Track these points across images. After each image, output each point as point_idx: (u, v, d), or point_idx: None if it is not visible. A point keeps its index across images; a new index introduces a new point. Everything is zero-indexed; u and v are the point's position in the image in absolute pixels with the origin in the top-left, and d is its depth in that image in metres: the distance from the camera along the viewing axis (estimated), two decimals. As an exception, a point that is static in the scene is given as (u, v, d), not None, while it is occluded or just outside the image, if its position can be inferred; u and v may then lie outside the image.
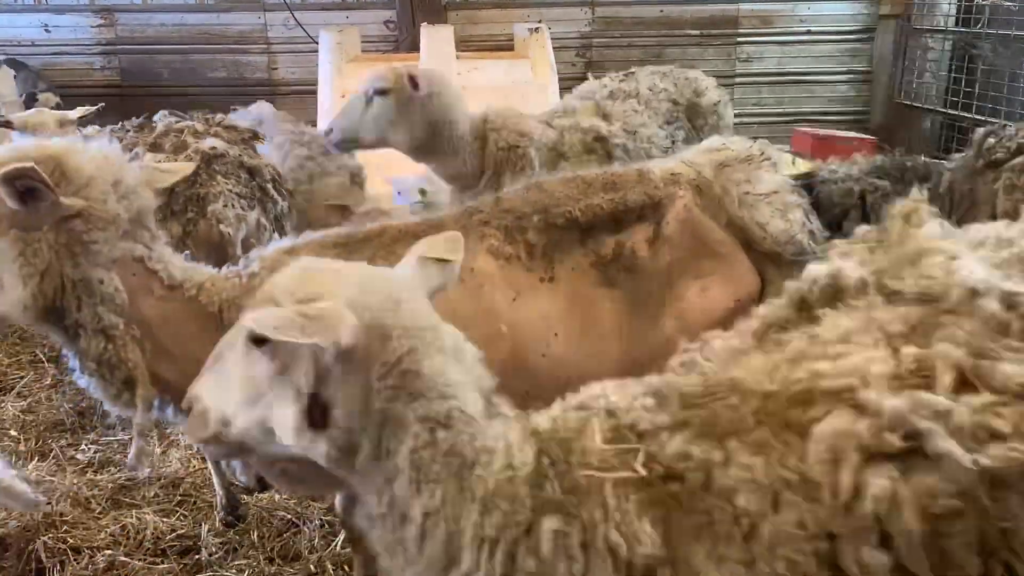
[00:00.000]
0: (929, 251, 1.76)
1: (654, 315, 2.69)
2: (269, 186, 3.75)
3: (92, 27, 8.98)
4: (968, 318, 1.56)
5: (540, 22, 7.93)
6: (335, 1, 8.98)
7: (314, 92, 6.47)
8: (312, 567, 3.34)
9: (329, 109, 6.09)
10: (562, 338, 2.57)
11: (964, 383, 1.48)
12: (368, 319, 1.56)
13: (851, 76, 9.28)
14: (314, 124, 6.25)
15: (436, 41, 6.45)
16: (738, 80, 9.15)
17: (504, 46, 8.20)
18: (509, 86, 6.21)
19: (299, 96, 8.93)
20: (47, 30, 8.98)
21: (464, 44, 7.84)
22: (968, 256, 1.70)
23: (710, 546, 1.46)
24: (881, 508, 1.40)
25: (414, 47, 7.02)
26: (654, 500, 1.50)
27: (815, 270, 1.84)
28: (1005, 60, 7.91)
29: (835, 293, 1.77)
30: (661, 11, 9.01)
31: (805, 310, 1.78)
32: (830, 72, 9.26)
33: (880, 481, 1.41)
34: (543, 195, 2.73)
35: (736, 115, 9.18)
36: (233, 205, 3.51)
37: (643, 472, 1.53)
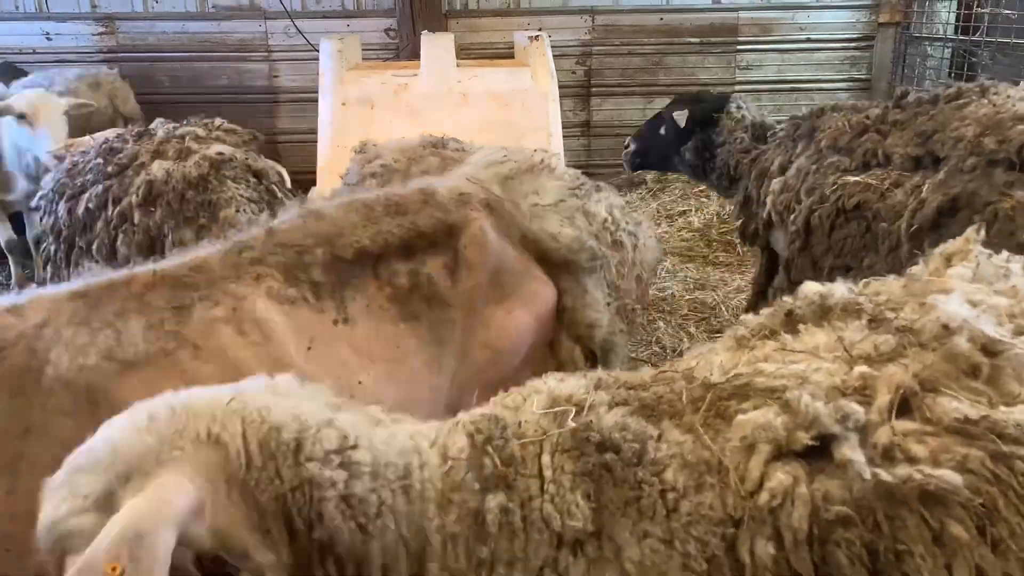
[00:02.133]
0: (935, 289, 1.78)
1: (462, 346, 2.52)
2: (276, 188, 3.76)
3: (93, 35, 9.01)
4: (934, 353, 1.58)
5: (540, 30, 7.95)
6: (336, 9, 9.01)
7: (315, 100, 6.47)
8: (312, 574, 3.32)
9: (329, 117, 6.11)
10: (368, 385, 2.31)
11: (907, 411, 1.51)
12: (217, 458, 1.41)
13: (850, 84, 9.30)
14: (315, 132, 6.28)
15: (436, 49, 6.46)
16: (738, 88, 9.16)
17: (504, 54, 8.23)
18: (509, 94, 6.22)
19: (300, 104, 8.96)
20: (48, 38, 9.00)
21: (464, 52, 7.85)
22: (958, 297, 1.71)
23: (635, 522, 1.47)
24: (775, 502, 1.43)
25: (414, 55, 7.02)
26: (587, 471, 1.51)
27: (808, 287, 1.89)
28: (1004, 68, 7.92)
29: (822, 312, 1.82)
30: (661, 19, 9.04)
31: (791, 324, 1.82)
32: (829, 80, 9.28)
33: (780, 475, 1.45)
34: (323, 224, 2.43)
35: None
36: (244, 210, 3.52)
37: (574, 425, 1.55)
